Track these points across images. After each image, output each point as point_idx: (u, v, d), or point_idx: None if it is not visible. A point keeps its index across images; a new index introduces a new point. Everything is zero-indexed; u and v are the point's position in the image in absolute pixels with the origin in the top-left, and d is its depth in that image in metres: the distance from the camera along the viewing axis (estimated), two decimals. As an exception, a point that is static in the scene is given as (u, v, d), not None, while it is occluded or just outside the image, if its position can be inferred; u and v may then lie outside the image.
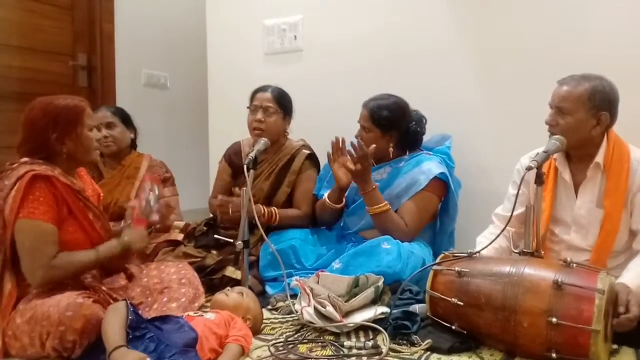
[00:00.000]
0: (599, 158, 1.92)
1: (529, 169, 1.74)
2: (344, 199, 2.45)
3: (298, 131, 2.72)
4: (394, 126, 2.39)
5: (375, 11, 2.88)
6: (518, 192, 1.82)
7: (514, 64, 2.52)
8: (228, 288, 1.88)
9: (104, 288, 1.81)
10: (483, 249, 1.83)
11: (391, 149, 2.42)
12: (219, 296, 1.80)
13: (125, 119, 2.77)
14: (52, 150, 1.79)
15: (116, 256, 1.86)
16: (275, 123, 2.55)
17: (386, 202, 2.29)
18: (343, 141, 2.38)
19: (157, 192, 2.09)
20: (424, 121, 2.50)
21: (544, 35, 2.45)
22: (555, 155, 1.97)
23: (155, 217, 2.06)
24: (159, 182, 2.15)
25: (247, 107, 2.60)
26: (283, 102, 2.59)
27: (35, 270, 1.68)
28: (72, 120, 1.81)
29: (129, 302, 1.56)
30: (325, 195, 2.46)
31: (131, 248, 1.88)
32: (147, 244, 1.98)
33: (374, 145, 2.28)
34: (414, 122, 2.44)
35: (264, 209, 2.44)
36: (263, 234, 2.09)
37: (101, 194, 2.08)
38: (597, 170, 1.93)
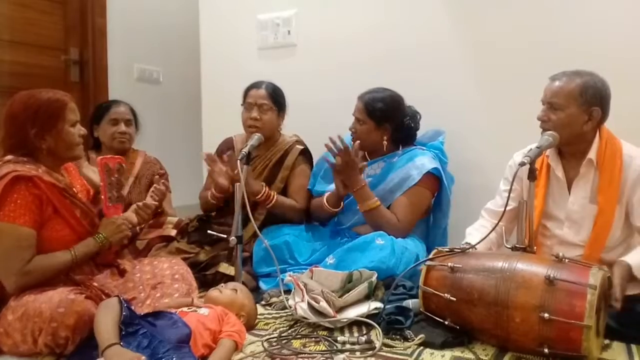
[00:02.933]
0: (592, 154, 1.92)
1: (522, 164, 1.74)
2: (342, 203, 2.45)
3: (291, 126, 2.71)
4: (388, 119, 2.39)
5: (369, 6, 2.87)
6: (511, 189, 1.83)
7: (508, 60, 2.52)
8: (222, 284, 1.87)
9: (95, 284, 1.80)
10: (476, 244, 1.84)
11: (385, 143, 2.42)
12: (213, 293, 1.80)
13: (136, 118, 2.79)
14: (33, 146, 1.75)
15: (95, 252, 1.84)
16: (270, 120, 2.55)
17: (376, 198, 2.29)
18: (341, 141, 2.26)
19: (120, 168, 1.99)
20: (418, 117, 2.50)
21: (539, 31, 2.44)
22: (547, 152, 1.98)
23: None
24: (115, 161, 1.99)
25: (241, 105, 2.59)
26: (277, 99, 2.58)
27: (9, 276, 1.66)
28: (52, 115, 1.76)
29: (122, 298, 1.56)
30: (324, 197, 2.45)
31: (110, 242, 1.86)
32: (126, 232, 1.92)
33: (359, 142, 2.28)
34: (408, 117, 2.45)
35: (264, 187, 2.44)
36: (257, 229, 2.09)
37: (91, 190, 2.06)
38: (590, 167, 1.94)
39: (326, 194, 2.45)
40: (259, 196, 2.40)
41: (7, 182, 1.65)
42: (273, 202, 2.46)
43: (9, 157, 1.74)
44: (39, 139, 1.75)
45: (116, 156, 2.04)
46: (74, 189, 1.89)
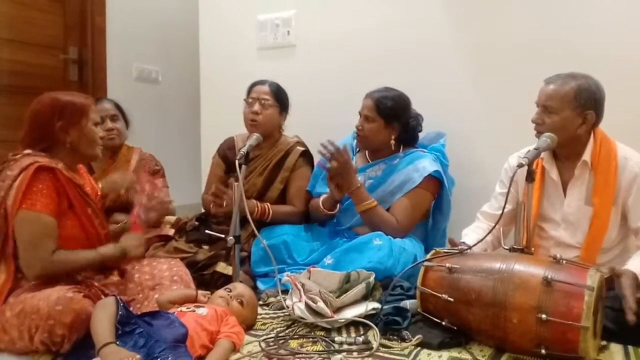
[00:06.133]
0: (587, 156, 1.93)
1: (520, 166, 1.74)
2: (338, 205, 2.44)
3: (290, 127, 2.71)
4: (398, 117, 2.40)
5: (369, 6, 2.87)
6: (509, 191, 1.83)
7: (508, 61, 2.52)
8: (229, 288, 1.84)
9: (95, 284, 1.80)
10: (474, 245, 1.84)
11: (392, 142, 2.43)
12: (219, 301, 1.77)
13: (123, 113, 2.77)
14: (56, 139, 1.80)
15: (113, 260, 1.88)
16: (271, 116, 2.56)
17: (373, 199, 2.29)
18: (332, 144, 2.27)
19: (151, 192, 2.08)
20: (420, 119, 2.51)
21: (539, 32, 2.45)
22: (542, 155, 1.98)
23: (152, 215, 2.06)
24: (153, 184, 2.12)
25: (245, 100, 2.60)
26: (280, 97, 2.59)
27: (35, 263, 1.68)
28: (78, 111, 1.83)
29: (118, 297, 1.55)
30: (320, 200, 2.45)
31: (128, 254, 1.89)
32: (144, 251, 1.97)
33: (347, 144, 2.27)
34: (412, 118, 2.45)
35: (257, 205, 2.44)
36: (255, 229, 2.08)
37: (99, 192, 2.07)
38: (585, 169, 1.94)
39: (322, 196, 2.45)
40: (254, 214, 2.38)
41: (31, 172, 1.69)
42: (270, 216, 2.48)
43: (28, 151, 1.78)
44: (63, 132, 1.80)
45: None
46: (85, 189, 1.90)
